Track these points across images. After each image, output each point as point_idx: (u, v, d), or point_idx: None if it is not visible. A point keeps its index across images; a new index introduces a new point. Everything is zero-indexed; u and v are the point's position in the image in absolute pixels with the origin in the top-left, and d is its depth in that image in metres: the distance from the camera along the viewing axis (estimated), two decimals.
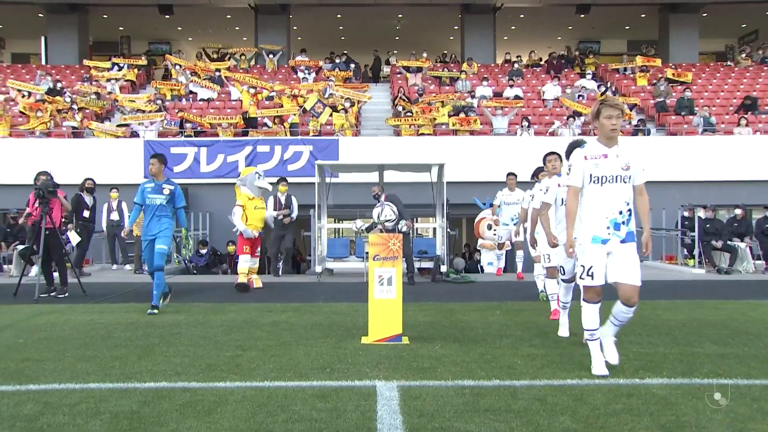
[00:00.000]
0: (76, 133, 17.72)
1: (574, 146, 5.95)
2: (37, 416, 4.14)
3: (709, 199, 15.04)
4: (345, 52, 24.44)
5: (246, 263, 10.86)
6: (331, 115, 18.29)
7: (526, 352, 5.86)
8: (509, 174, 12.52)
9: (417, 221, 12.93)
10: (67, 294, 9.99)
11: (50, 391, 4.67)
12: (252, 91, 18.90)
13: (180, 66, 21.61)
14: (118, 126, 18.03)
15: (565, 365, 5.39)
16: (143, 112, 18.45)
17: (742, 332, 6.83)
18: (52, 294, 10.05)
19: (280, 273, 13.30)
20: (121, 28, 28.21)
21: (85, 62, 22.06)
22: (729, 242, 13.94)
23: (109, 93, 20.06)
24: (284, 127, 17.66)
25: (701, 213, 14.23)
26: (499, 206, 12.79)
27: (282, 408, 4.27)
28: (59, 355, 5.80)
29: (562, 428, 3.89)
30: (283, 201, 12.92)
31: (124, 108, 18.86)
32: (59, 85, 20.44)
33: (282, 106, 18.73)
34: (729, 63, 25.15)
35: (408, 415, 4.12)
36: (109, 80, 20.70)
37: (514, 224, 11.47)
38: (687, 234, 14.50)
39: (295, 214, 13.08)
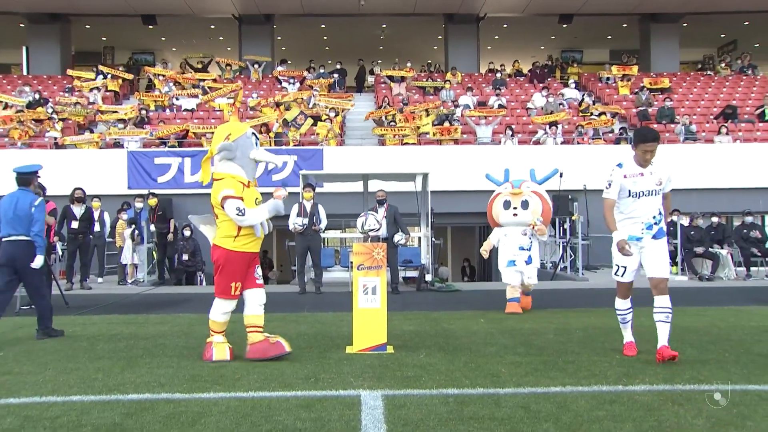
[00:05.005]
0: (59, 144, 17.60)
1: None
2: (17, 430, 4.10)
3: (690, 206, 15.16)
4: (339, 61, 24.44)
5: (226, 314, 6.17)
6: (314, 124, 18.30)
7: (510, 360, 5.89)
8: (647, 134, 5.80)
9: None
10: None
11: (31, 405, 4.63)
12: (231, 100, 18.86)
13: (163, 76, 21.55)
14: (98, 135, 17.89)
15: (549, 373, 5.42)
16: (125, 122, 18.35)
17: (723, 338, 6.90)
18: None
19: (321, 290, 11.93)
20: (104, 39, 28.05)
21: (69, 72, 21.88)
22: (711, 249, 14.09)
23: (91, 103, 19.93)
24: (269, 137, 17.63)
25: (683, 220, 14.37)
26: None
27: (266, 418, 4.26)
28: (40, 368, 5.75)
29: None
30: (308, 209, 11.61)
31: (107, 121, 18.71)
32: (40, 95, 20.27)
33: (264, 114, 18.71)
34: (709, 72, 25.48)
35: (392, 424, 4.13)
36: (92, 90, 20.57)
37: (653, 236, 5.82)
38: (669, 241, 14.60)
39: (324, 224, 11.95)
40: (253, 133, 6.19)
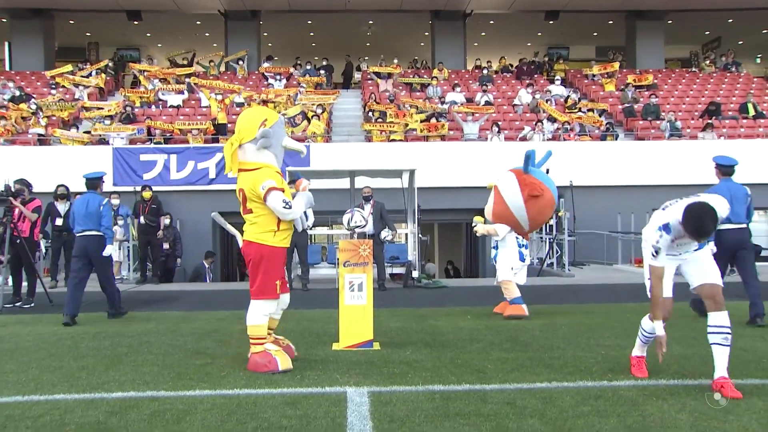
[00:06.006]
0: (42, 140, 17.43)
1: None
2: None
3: None
4: (325, 57, 24.40)
5: (267, 316, 5.62)
6: (309, 123, 18.26)
7: (496, 356, 5.91)
8: (700, 231, 4.61)
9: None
10: (33, 305, 9.81)
11: (13, 404, 4.59)
12: (219, 97, 18.76)
13: (148, 72, 21.38)
14: (85, 132, 17.75)
15: (534, 368, 5.44)
16: (111, 118, 18.21)
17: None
18: (18, 305, 9.87)
19: (308, 287, 11.93)
20: (88, 34, 27.82)
21: (47, 74, 21.59)
22: None
23: (76, 99, 19.76)
24: None
25: None
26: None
27: (252, 416, 4.25)
28: (23, 367, 5.70)
29: (530, 431, 3.92)
30: None
31: (92, 118, 18.55)
32: (23, 91, 20.05)
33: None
34: (694, 69, 25.63)
35: (378, 420, 4.12)
36: (77, 86, 20.39)
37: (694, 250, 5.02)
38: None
39: (311, 221, 12.10)
40: (288, 118, 5.74)
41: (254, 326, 5.54)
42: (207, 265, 15.61)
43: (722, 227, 7.77)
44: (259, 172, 5.43)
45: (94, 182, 8.91)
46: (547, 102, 19.98)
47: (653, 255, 4.77)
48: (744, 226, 7.97)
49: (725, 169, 8.26)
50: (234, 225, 6.17)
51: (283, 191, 5.45)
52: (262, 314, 5.53)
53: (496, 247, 8.95)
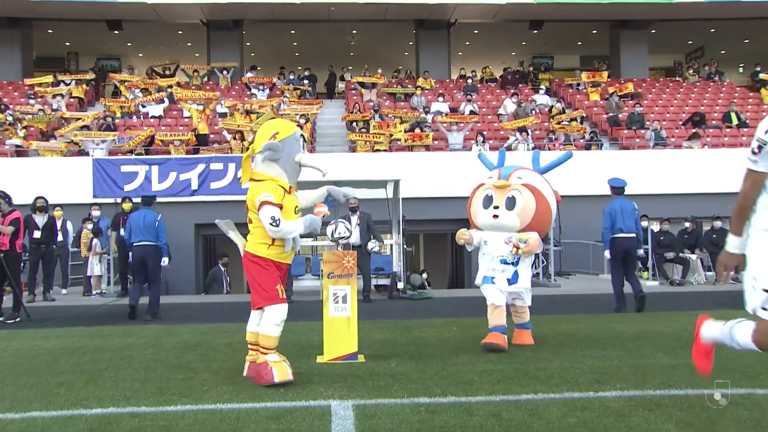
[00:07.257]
0: (21, 152, 17.19)
1: None
2: None
3: (661, 211, 15.33)
4: (308, 68, 24.35)
5: (280, 324, 5.49)
6: None
7: (482, 368, 5.85)
8: None
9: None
10: (19, 319, 9.62)
11: None
12: (200, 107, 18.65)
13: (128, 82, 21.21)
14: (65, 142, 17.53)
15: (520, 380, 5.39)
16: (88, 128, 17.99)
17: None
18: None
19: (292, 299, 11.46)
20: (67, 44, 27.56)
21: (26, 81, 21.36)
22: (681, 254, 14.25)
23: (55, 110, 19.53)
24: (243, 144, 17.41)
25: (654, 226, 14.53)
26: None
27: (234, 430, 4.19)
28: None
29: None
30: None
31: (69, 131, 18.36)
32: (0, 101, 19.81)
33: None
34: (677, 78, 25.85)
35: None
36: (54, 96, 20.16)
37: None
38: (640, 246, 14.77)
39: (298, 245, 11.66)
40: (301, 135, 5.80)
41: (264, 336, 5.45)
42: (223, 269, 15.34)
43: (615, 235, 9.89)
44: (262, 184, 5.50)
45: (149, 199, 10.57)
46: (532, 111, 20.02)
47: (754, 153, 3.26)
48: (633, 235, 9.99)
49: (616, 189, 10.17)
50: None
51: (281, 207, 5.41)
52: (273, 323, 5.42)
53: (515, 263, 6.90)
